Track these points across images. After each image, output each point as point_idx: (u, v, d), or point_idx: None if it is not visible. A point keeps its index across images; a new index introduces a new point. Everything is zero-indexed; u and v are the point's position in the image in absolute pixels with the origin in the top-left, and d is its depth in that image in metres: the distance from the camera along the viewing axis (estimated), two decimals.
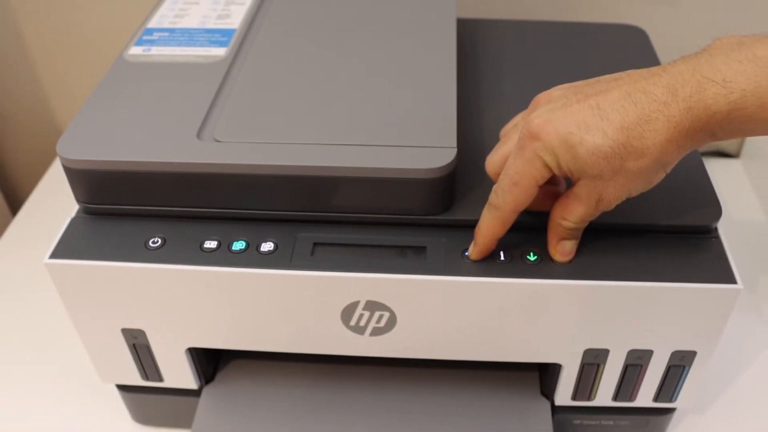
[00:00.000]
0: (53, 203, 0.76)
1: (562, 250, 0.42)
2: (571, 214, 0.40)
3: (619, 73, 0.39)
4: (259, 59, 0.52)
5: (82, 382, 0.59)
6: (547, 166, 0.38)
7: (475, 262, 0.43)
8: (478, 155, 0.46)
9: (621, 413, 0.51)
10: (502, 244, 0.42)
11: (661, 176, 0.38)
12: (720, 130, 0.35)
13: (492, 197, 0.41)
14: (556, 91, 0.40)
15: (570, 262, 0.42)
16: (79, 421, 0.58)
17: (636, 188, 0.38)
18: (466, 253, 0.43)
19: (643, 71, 0.37)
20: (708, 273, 0.42)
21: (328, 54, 0.52)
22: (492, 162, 0.42)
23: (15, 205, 0.93)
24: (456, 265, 0.42)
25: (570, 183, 0.40)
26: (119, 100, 0.48)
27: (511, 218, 0.41)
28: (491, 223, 0.41)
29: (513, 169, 0.39)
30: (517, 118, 0.45)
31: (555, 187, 0.43)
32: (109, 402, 0.57)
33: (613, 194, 0.38)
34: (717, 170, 0.82)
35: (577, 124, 0.37)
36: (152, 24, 0.56)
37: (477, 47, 0.60)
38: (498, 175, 0.41)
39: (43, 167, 0.87)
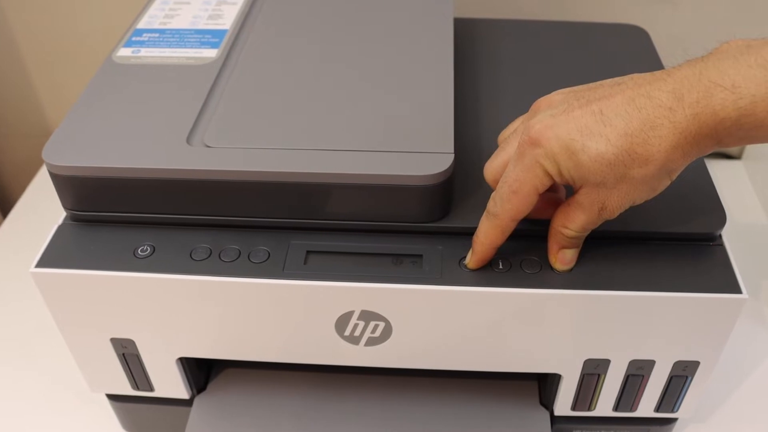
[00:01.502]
0: (43, 208, 0.75)
1: (563, 258, 0.41)
2: (573, 223, 0.39)
3: (622, 77, 0.37)
4: (251, 61, 0.50)
5: (72, 391, 0.59)
6: (547, 173, 0.37)
7: (473, 271, 0.41)
8: (476, 161, 0.45)
9: (621, 423, 0.50)
10: (500, 252, 0.41)
11: (666, 184, 0.37)
12: (727, 137, 0.34)
13: (490, 205, 0.40)
14: (557, 96, 0.39)
15: (570, 271, 0.41)
16: (68, 430, 0.56)
17: (640, 196, 0.37)
18: (464, 262, 0.42)
19: (647, 75, 0.36)
20: (712, 282, 0.41)
21: (322, 56, 0.51)
22: (491, 169, 0.41)
23: (6, 207, 0.92)
24: (453, 274, 0.41)
25: (571, 190, 0.39)
26: (107, 103, 0.47)
27: (510, 227, 0.40)
28: (489, 231, 0.40)
29: (512, 176, 0.38)
30: (516, 123, 0.44)
31: (555, 194, 0.42)
32: (99, 410, 0.56)
33: (617, 202, 0.37)
34: (719, 172, 0.81)
35: (579, 130, 0.35)
36: (142, 24, 0.55)
37: (475, 48, 0.59)
38: (497, 182, 0.40)
39: (35, 170, 0.86)
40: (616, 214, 0.38)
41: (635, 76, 0.37)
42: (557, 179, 0.37)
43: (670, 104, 0.34)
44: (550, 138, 0.36)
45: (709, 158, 0.87)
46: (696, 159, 0.37)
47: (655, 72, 0.36)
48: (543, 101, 0.40)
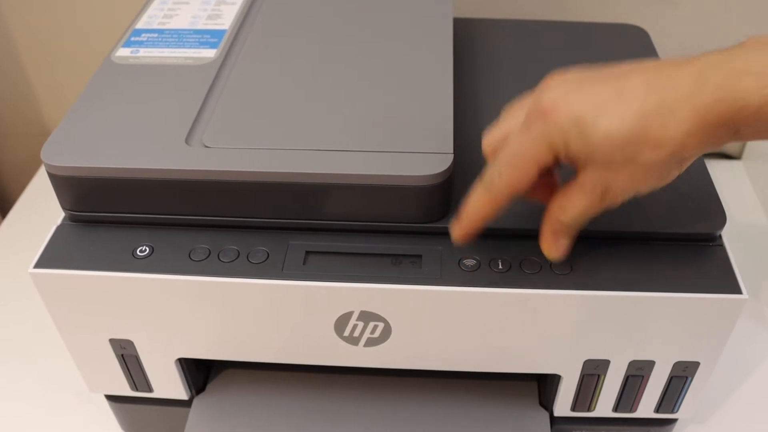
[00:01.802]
0: (42, 208, 0.74)
1: (555, 246, 0.39)
2: (572, 206, 0.37)
3: (642, 61, 0.36)
4: (250, 61, 0.50)
5: (70, 391, 0.58)
6: (552, 148, 0.35)
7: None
8: (475, 161, 0.45)
9: (621, 424, 0.50)
10: (499, 253, 0.41)
11: (675, 174, 0.36)
12: (745, 127, 0.33)
13: (486, 174, 0.38)
14: (571, 73, 0.37)
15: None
16: (67, 430, 0.56)
17: (646, 184, 0.36)
18: (463, 261, 0.41)
19: (669, 59, 0.35)
20: (712, 282, 0.41)
21: (321, 56, 0.50)
22: (490, 141, 0.39)
23: (4, 207, 0.92)
24: (452, 275, 0.41)
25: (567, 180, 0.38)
26: (106, 104, 0.47)
27: (503, 201, 0.37)
28: (481, 202, 0.38)
29: (515, 146, 0.36)
30: (524, 99, 0.40)
31: (554, 178, 0.40)
32: (98, 411, 0.56)
33: (621, 187, 0.35)
34: (719, 172, 0.80)
35: (592, 105, 0.34)
36: (140, 24, 0.54)
37: (475, 48, 0.59)
38: (494, 154, 0.38)
39: (33, 170, 0.86)
40: (619, 201, 0.36)
41: (656, 60, 0.35)
42: (562, 156, 0.35)
43: (692, 87, 0.32)
44: (561, 111, 0.34)
45: (709, 158, 0.87)
46: (696, 159, 0.37)
47: (675, 57, 0.35)
48: (556, 75, 0.37)
